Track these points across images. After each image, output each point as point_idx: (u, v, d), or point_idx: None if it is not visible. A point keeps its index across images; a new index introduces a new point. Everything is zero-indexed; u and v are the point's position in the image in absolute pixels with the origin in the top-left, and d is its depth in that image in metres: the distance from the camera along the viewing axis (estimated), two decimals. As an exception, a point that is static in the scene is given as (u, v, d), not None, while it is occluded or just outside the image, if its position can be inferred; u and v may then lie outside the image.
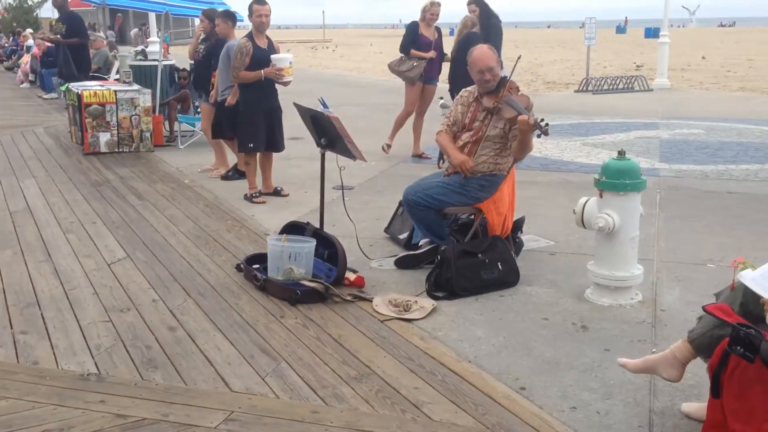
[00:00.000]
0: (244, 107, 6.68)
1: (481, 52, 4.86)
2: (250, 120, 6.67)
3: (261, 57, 6.51)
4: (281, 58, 6.48)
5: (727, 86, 18.53)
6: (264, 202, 6.71)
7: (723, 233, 5.66)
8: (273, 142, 6.83)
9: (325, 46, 47.09)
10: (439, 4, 8.49)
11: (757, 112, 12.95)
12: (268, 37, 6.74)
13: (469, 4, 8.47)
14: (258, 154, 6.85)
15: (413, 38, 8.58)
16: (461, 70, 7.55)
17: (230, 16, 7.56)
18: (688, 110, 13.24)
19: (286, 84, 6.59)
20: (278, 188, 7.02)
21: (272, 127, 6.77)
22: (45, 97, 16.27)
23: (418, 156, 8.85)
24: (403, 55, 8.63)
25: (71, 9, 11.57)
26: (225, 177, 7.72)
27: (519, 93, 4.79)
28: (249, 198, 6.78)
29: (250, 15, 6.64)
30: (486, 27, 8.25)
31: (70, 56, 11.36)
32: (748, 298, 2.83)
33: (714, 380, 2.68)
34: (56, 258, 5.20)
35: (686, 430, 2.97)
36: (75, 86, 9.84)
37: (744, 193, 6.92)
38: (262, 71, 6.45)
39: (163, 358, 3.65)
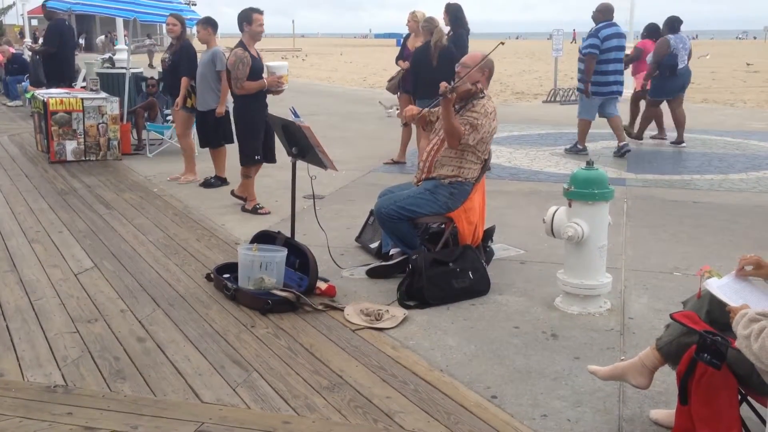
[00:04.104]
0: (247, 119, 6.43)
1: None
2: (253, 131, 6.45)
3: (257, 67, 6.41)
4: (280, 66, 6.38)
5: (691, 98, 18.76)
6: (269, 213, 6.54)
7: (689, 242, 5.76)
8: (270, 152, 6.70)
9: (295, 55, 47.01)
10: (413, 12, 8.47)
11: (720, 123, 13.20)
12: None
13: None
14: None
15: (401, 50, 8.80)
16: (423, 77, 7.60)
17: (212, 23, 7.37)
18: (654, 121, 13.43)
19: (280, 92, 6.51)
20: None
21: (270, 137, 6.59)
22: (9, 104, 16.03)
23: (393, 162, 8.84)
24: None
25: (56, 17, 11.33)
26: (206, 184, 7.64)
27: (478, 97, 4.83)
28: (254, 210, 6.56)
29: (249, 23, 6.37)
30: (455, 36, 8.25)
31: (41, 64, 11.36)
32: (714, 306, 2.88)
33: (682, 387, 2.72)
34: (21, 268, 5.11)
35: (655, 437, 3.01)
36: (41, 94, 9.70)
37: (708, 203, 7.04)
38: (265, 80, 6.35)
39: (132, 370, 3.60)
